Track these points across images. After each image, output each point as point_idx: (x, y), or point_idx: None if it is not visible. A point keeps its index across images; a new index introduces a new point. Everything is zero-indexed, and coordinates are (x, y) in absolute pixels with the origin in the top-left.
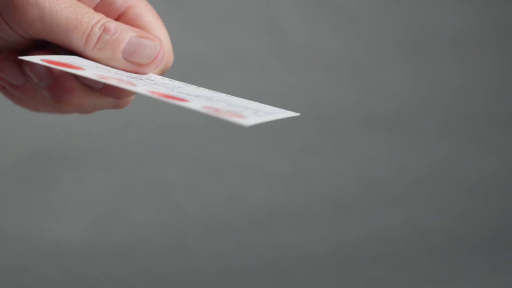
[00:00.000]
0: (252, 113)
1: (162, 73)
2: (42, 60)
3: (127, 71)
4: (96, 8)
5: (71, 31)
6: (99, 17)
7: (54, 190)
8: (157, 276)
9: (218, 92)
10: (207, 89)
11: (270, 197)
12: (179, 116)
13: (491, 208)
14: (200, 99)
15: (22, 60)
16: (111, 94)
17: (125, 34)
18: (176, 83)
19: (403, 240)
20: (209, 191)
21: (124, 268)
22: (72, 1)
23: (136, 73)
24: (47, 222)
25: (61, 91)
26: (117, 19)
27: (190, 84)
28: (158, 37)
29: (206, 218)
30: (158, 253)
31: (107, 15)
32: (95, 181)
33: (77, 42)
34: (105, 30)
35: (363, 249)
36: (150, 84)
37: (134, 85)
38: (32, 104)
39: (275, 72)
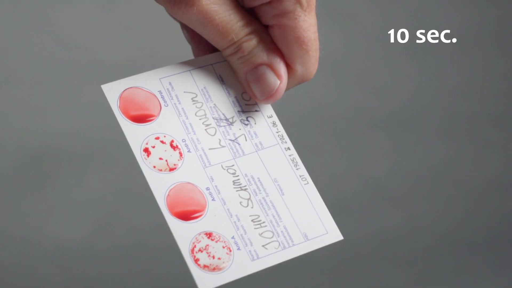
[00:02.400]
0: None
1: (296, 85)
2: (119, 97)
3: (244, 89)
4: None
5: (217, 36)
6: (244, 33)
7: (54, 190)
8: (157, 277)
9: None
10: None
11: None
12: None
13: (492, 208)
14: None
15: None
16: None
17: (256, 58)
18: (250, 166)
19: (403, 240)
20: None
21: (124, 268)
22: (228, 4)
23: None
24: (47, 222)
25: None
26: (270, 27)
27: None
28: (292, 67)
29: None
30: (158, 253)
31: (264, 18)
32: (95, 181)
33: (218, 45)
34: (240, 50)
35: (363, 249)
36: (213, 149)
37: (175, 166)
38: None
39: None
